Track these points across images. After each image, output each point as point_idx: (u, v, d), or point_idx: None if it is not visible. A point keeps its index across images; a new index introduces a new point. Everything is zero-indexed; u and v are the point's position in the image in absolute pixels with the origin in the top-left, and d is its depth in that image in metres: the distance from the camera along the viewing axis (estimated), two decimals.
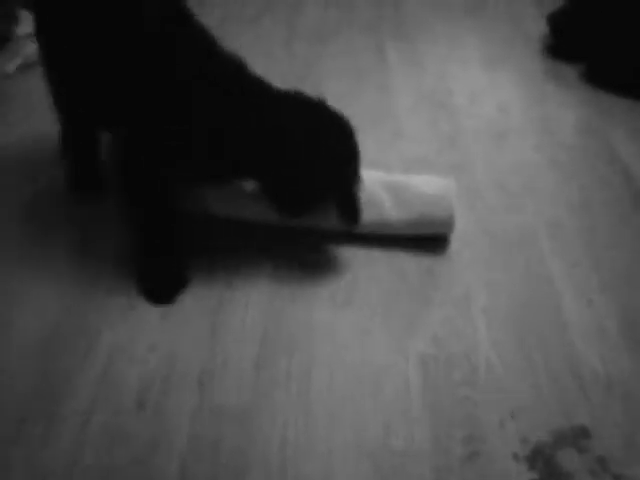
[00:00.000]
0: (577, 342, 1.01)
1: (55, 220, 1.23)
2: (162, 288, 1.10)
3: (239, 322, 1.05)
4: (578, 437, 0.90)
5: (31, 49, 1.68)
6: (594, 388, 0.95)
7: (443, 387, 0.96)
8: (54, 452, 0.88)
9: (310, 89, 1.41)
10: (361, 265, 1.14)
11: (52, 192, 1.29)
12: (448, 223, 1.14)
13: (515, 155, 1.38)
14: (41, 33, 1.16)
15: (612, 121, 1.46)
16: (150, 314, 1.06)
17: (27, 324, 1.04)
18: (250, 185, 1.14)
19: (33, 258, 1.15)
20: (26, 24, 1.74)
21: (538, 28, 1.78)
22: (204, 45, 1.06)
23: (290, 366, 0.99)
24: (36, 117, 1.48)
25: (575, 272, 1.13)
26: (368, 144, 1.38)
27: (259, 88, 1.07)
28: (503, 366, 0.98)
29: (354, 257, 1.16)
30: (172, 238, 1.11)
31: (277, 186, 1.08)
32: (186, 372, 0.98)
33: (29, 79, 1.62)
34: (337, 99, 1.53)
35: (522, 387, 0.96)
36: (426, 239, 1.17)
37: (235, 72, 1.06)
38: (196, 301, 1.08)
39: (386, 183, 1.16)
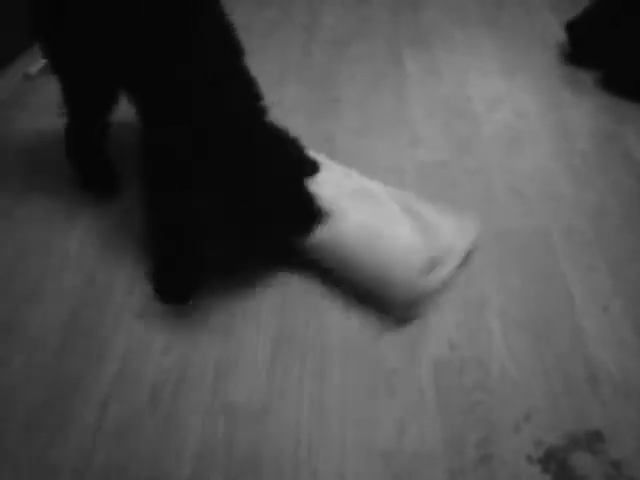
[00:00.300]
0: (592, 347, 1.01)
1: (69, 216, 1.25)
2: (175, 289, 1.10)
3: (253, 324, 1.06)
4: (592, 441, 0.89)
5: None
6: (608, 393, 0.95)
7: (457, 391, 0.96)
8: (66, 450, 0.89)
9: (326, 94, 1.44)
10: None
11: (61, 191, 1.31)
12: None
13: (531, 161, 1.38)
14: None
15: (629, 127, 1.46)
16: (165, 315, 1.07)
17: (43, 321, 1.06)
18: None
19: (48, 253, 1.16)
20: None
21: (556, 35, 1.78)
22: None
23: (303, 368, 0.99)
24: (45, 120, 1.50)
25: (590, 278, 1.12)
26: (384, 149, 1.41)
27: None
28: (517, 370, 0.98)
29: None
30: (187, 239, 1.10)
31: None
32: (200, 372, 0.98)
33: (50, 82, 1.63)
34: (354, 105, 1.55)
35: (536, 391, 0.95)
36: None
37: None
38: (211, 302, 1.09)
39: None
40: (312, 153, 1.26)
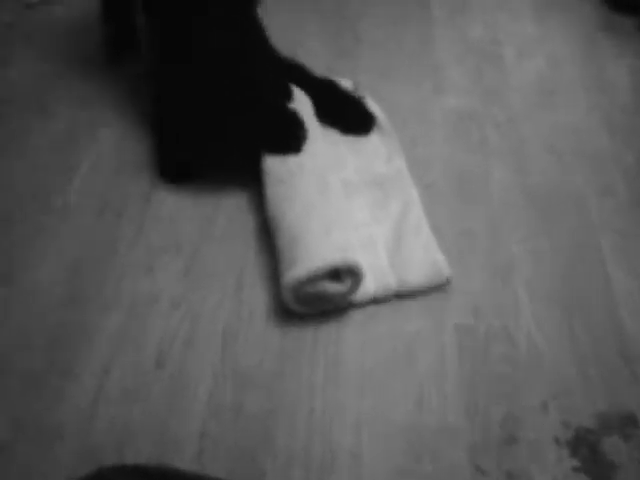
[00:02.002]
0: (627, 321, 0.95)
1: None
2: (178, 168, 1.15)
3: (266, 281, 0.99)
4: (625, 424, 0.84)
5: None
6: None
7: (481, 362, 0.90)
8: (69, 408, 0.84)
9: (348, 34, 1.34)
10: None
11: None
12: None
13: (565, 115, 1.29)
14: None
15: None
16: (174, 268, 1.00)
17: (44, 273, 1.00)
18: None
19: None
20: None
21: None
22: None
23: (318, 331, 0.93)
24: (56, 52, 1.42)
25: (626, 244, 1.05)
26: (409, 94, 1.32)
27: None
28: (546, 343, 0.92)
29: None
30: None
31: None
32: (209, 331, 0.93)
33: (52, 11, 1.54)
34: (376, 47, 1.45)
35: (566, 367, 0.90)
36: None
37: None
38: (221, 258, 1.02)
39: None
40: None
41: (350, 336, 0.93)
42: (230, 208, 1.09)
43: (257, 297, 0.97)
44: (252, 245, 1.04)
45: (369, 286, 0.96)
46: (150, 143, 1.19)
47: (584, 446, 0.82)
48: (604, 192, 1.13)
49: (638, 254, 1.04)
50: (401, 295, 0.97)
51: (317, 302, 0.94)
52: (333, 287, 0.91)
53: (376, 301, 0.97)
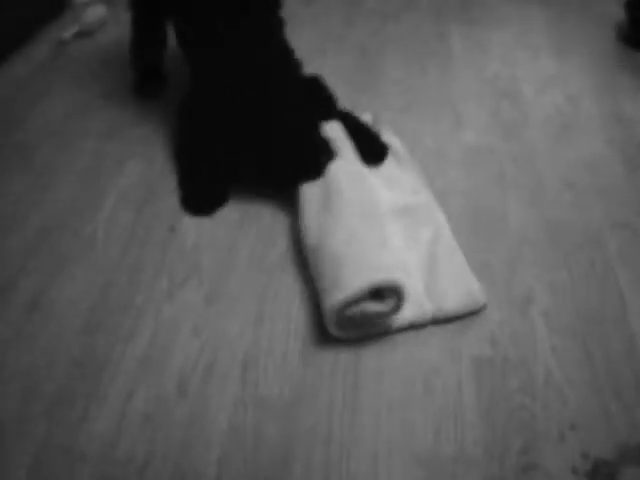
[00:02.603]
0: None
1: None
2: (200, 199, 1.19)
3: (285, 311, 1.01)
4: None
5: (89, 17, 1.67)
6: None
7: (498, 393, 0.90)
8: (92, 432, 0.86)
9: (368, 69, 1.37)
10: None
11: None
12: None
13: (583, 149, 1.30)
14: None
15: None
16: (196, 297, 1.02)
17: (73, 297, 1.02)
18: None
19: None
20: None
21: (613, 15, 1.68)
22: None
23: (337, 361, 0.94)
24: (86, 86, 1.47)
25: None
26: (427, 131, 1.34)
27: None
28: (564, 374, 0.92)
29: None
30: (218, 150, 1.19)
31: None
32: (230, 360, 0.94)
33: (84, 47, 1.60)
34: (396, 83, 1.48)
35: (584, 398, 0.90)
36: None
37: None
38: (243, 287, 1.04)
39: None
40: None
41: (368, 366, 0.94)
42: (252, 238, 1.12)
43: (277, 327, 0.99)
44: (273, 275, 1.06)
45: (406, 312, 0.97)
46: (174, 175, 1.23)
47: (602, 477, 0.81)
48: (621, 225, 1.14)
49: None
50: (437, 321, 0.99)
51: (359, 325, 0.95)
52: (376, 307, 0.93)
53: (413, 326, 0.98)
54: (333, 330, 0.95)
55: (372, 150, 1.24)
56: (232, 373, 0.93)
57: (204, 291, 1.03)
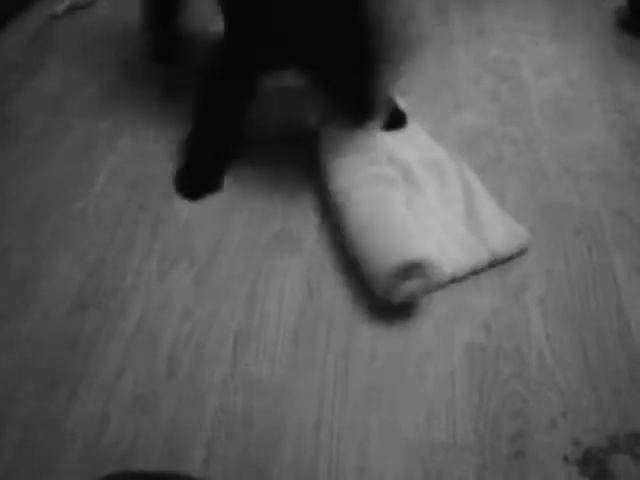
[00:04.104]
0: (639, 342, 0.94)
1: None
2: (194, 184, 1.15)
3: (278, 292, 1.00)
4: (635, 444, 0.83)
5: None
6: None
7: (491, 380, 0.90)
8: (80, 413, 0.85)
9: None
10: None
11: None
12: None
13: (582, 134, 1.29)
14: None
15: None
16: (187, 278, 1.01)
17: (62, 275, 1.01)
18: None
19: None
20: None
21: (616, 0, 1.65)
22: None
23: (329, 344, 0.94)
24: (78, 61, 1.45)
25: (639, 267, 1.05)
26: (426, 114, 1.33)
27: None
28: (557, 362, 0.92)
29: None
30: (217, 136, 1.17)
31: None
32: (220, 340, 0.93)
33: (77, 22, 1.58)
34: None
35: (576, 386, 0.89)
36: None
37: None
38: (234, 268, 1.03)
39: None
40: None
41: (360, 349, 0.93)
42: (245, 219, 1.10)
43: (269, 307, 0.98)
44: (266, 256, 1.05)
45: (464, 261, 1.01)
46: (169, 154, 1.21)
47: (594, 465, 0.81)
48: (619, 212, 1.13)
49: None
50: (493, 264, 1.03)
51: (406, 292, 0.95)
52: (417, 282, 0.94)
53: (475, 272, 1.02)
54: (383, 293, 0.96)
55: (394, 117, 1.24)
56: (222, 354, 0.92)
57: (195, 271, 1.02)
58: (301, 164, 1.21)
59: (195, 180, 1.16)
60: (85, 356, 0.91)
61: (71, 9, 1.62)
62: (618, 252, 1.07)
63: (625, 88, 1.40)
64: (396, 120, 1.25)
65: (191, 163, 1.18)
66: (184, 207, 1.12)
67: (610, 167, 1.22)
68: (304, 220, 1.11)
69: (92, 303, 0.97)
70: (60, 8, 1.61)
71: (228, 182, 1.17)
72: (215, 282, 1.01)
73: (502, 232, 1.05)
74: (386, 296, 0.96)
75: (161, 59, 1.44)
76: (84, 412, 0.85)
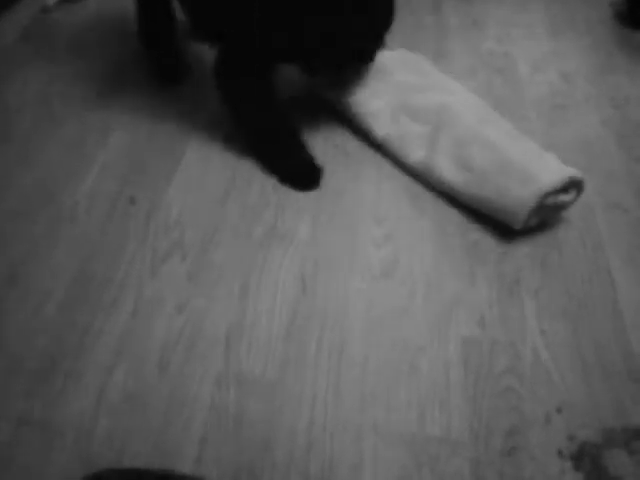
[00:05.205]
0: (634, 336, 0.93)
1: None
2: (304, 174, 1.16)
3: (271, 287, 0.99)
4: (630, 439, 0.83)
5: None
6: None
7: (485, 375, 0.89)
8: (70, 411, 0.84)
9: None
10: (403, 235, 1.07)
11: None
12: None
13: (578, 128, 1.28)
14: None
15: None
16: (179, 269, 1.00)
17: (53, 271, 1.00)
18: None
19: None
20: None
21: None
22: None
23: (322, 340, 0.93)
24: (70, 54, 1.43)
25: (635, 260, 1.04)
26: None
27: None
28: (551, 356, 0.91)
29: (396, 225, 1.09)
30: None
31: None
32: (213, 336, 0.92)
33: (69, 15, 1.56)
34: None
35: (571, 381, 0.88)
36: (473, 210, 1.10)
37: None
38: (227, 262, 1.02)
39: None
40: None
41: (354, 343, 0.92)
42: (237, 212, 1.10)
43: (263, 301, 0.97)
44: (260, 249, 1.04)
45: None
46: (161, 149, 1.20)
47: (588, 460, 0.81)
48: (614, 207, 1.12)
49: None
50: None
51: (547, 213, 1.06)
52: (565, 197, 1.04)
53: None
54: (521, 220, 1.02)
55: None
56: (215, 350, 0.91)
57: (187, 266, 1.01)
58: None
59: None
60: (75, 352, 0.90)
61: (63, 2, 1.61)
62: (612, 245, 1.06)
63: (622, 82, 1.39)
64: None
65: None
66: (176, 201, 1.11)
67: (604, 161, 1.21)
68: (298, 213, 1.10)
69: (83, 298, 0.97)
70: (52, 1, 1.59)
71: (220, 177, 1.16)
72: (208, 277, 1.00)
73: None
74: (534, 217, 1.04)
75: (165, 78, 1.37)
76: (74, 409, 0.84)
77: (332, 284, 1.00)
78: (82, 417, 0.83)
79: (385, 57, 1.27)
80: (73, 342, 0.91)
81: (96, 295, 0.97)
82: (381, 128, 1.19)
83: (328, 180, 1.16)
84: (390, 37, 1.47)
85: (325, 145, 1.23)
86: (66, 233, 1.05)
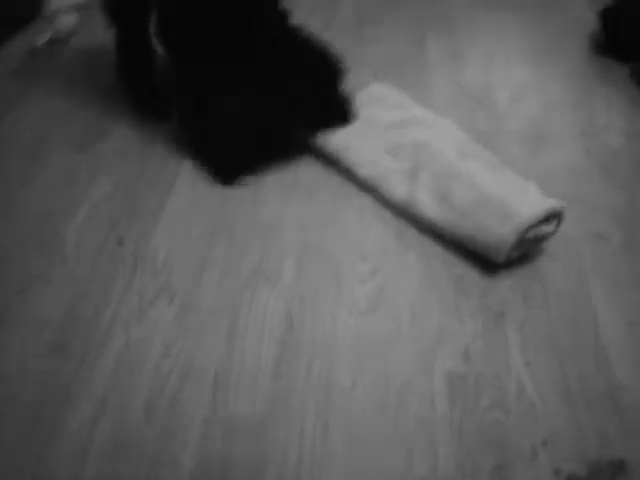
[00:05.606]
0: (617, 367, 0.94)
1: None
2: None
3: (258, 325, 1.00)
4: (615, 471, 0.83)
5: (62, 24, 1.65)
6: (634, 419, 0.89)
7: (471, 409, 0.90)
8: (59, 457, 0.84)
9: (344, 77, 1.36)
10: (388, 270, 1.09)
11: None
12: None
13: (559, 159, 1.30)
14: None
15: None
16: (166, 312, 1.01)
17: (39, 315, 1.01)
18: None
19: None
20: None
21: (588, 23, 1.68)
22: None
23: (309, 377, 0.93)
24: (59, 93, 1.45)
25: (618, 290, 1.05)
26: None
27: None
28: (536, 389, 0.92)
29: (381, 260, 1.10)
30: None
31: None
32: (200, 379, 0.93)
33: (57, 54, 1.59)
34: None
35: (556, 413, 0.89)
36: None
37: None
38: (215, 302, 1.03)
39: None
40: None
41: (340, 380, 0.93)
42: (224, 251, 1.11)
43: (250, 341, 0.98)
44: (247, 288, 1.05)
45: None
46: (151, 189, 1.22)
47: None
48: (597, 237, 1.14)
49: (629, 300, 1.04)
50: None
51: (529, 245, 1.08)
52: (546, 228, 1.07)
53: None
54: (504, 255, 1.04)
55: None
56: (202, 393, 0.91)
57: (174, 308, 1.02)
58: (279, 195, 1.22)
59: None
60: (61, 399, 0.90)
61: (51, 42, 1.63)
62: (595, 276, 1.08)
63: (600, 111, 1.42)
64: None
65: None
66: (163, 241, 1.12)
67: (586, 190, 1.23)
68: (283, 251, 1.11)
69: (69, 344, 0.97)
70: (40, 41, 1.62)
71: (206, 217, 1.17)
72: (195, 318, 1.01)
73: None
74: (516, 250, 1.05)
75: (146, 111, 1.40)
76: (61, 456, 0.84)
77: (318, 321, 1.01)
78: (70, 463, 0.83)
79: (363, 93, 1.29)
80: (60, 388, 0.91)
81: (83, 341, 0.97)
82: (362, 166, 1.21)
83: (312, 216, 1.18)
84: (371, 70, 1.52)
85: (308, 181, 1.25)
86: (54, 275, 1.06)
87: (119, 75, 1.41)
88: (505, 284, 1.06)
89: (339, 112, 1.27)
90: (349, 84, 1.34)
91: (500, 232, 1.03)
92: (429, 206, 1.12)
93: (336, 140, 1.25)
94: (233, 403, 0.90)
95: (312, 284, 1.06)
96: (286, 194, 1.22)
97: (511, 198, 1.07)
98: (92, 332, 0.98)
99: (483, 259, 1.08)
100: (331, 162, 1.27)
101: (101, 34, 1.44)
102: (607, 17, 1.59)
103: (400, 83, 1.46)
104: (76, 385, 0.92)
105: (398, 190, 1.17)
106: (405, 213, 1.16)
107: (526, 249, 1.08)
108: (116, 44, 1.39)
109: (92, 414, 0.89)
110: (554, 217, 1.08)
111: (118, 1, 1.35)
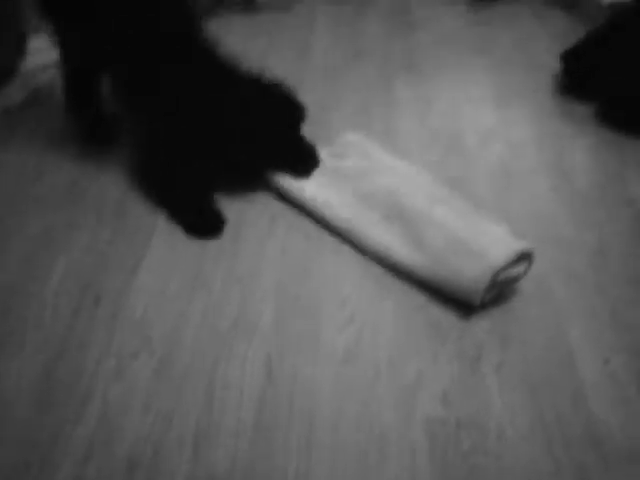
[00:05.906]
0: (594, 406, 0.96)
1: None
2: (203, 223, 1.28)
3: (237, 379, 1.00)
4: None
5: (39, 82, 1.67)
6: (612, 456, 0.90)
7: (452, 455, 0.90)
8: None
9: (315, 126, 1.39)
10: (366, 316, 1.10)
11: None
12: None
13: (528, 199, 1.33)
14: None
15: (627, 162, 1.41)
16: (146, 372, 1.01)
17: (17, 378, 1.00)
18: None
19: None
20: (36, 56, 1.72)
21: (552, 65, 1.73)
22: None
23: (289, 429, 0.94)
24: (35, 154, 1.46)
25: (592, 328, 1.07)
26: None
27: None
28: (515, 431, 0.93)
29: (358, 306, 1.11)
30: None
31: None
32: (180, 436, 0.93)
33: (34, 113, 1.60)
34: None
35: (536, 455, 0.90)
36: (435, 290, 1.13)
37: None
38: (193, 358, 1.03)
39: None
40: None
41: (322, 432, 0.93)
42: (201, 307, 1.11)
43: (230, 396, 0.98)
44: (223, 344, 1.05)
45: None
46: (126, 248, 1.22)
47: None
48: (569, 275, 1.16)
49: (604, 338, 1.05)
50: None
51: (501, 286, 1.10)
52: (517, 269, 1.09)
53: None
54: (478, 299, 1.06)
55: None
56: (183, 450, 0.91)
57: (154, 364, 1.02)
58: (256, 245, 1.23)
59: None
60: (40, 460, 0.90)
61: (26, 102, 1.64)
62: (569, 315, 1.09)
63: (566, 152, 1.46)
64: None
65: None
66: (141, 298, 1.13)
67: (555, 229, 1.26)
68: (261, 301, 1.12)
69: (48, 407, 0.97)
70: (16, 99, 1.63)
71: (183, 267, 1.18)
72: (174, 374, 1.01)
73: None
74: (489, 293, 1.07)
75: (93, 140, 1.48)
76: None
77: (297, 372, 1.01)
78: None
79: (335, 142, 1.32)
80: (39, 448, 0.91)
81: (61, 399, 0.97)
82: (335, 217, 1.24)
83: (290, 264, 1.19)
84: (341, 118, 1.55)
85: (283, 229, 1.26)
86: (31, 336, 1.06)
87: (67, 105, 1.48)
88: (481, 326, 1.08)
89: (302, 157, 1.33)
90: (319, 132, 1.38)
91: (473, 275, 1.05)
92: (403, 253, 1.14)
93: (308, 191, 1.28)
94: (214, 458, 0.90)
95: (291, 334, 1.07)
96: (263, 244, 1.23)
97: (482, 241, 1.09)
98: (71, 394, 0.98)
99: (459, 302, 1.10)
100: (305, 210, 1.29)
101: None
102: (568, 59, 1.64)
103: (370, 130, 1.49)
104: (56, 444, 0.92)
105: (371, 238, 1.18)
106: (381, 259, 1.18)
107: (499, 291, 1.10)
108: (64, 82, 1.46)
109: (73, 473, 0.88)
110: (524, 258, 1.10)
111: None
